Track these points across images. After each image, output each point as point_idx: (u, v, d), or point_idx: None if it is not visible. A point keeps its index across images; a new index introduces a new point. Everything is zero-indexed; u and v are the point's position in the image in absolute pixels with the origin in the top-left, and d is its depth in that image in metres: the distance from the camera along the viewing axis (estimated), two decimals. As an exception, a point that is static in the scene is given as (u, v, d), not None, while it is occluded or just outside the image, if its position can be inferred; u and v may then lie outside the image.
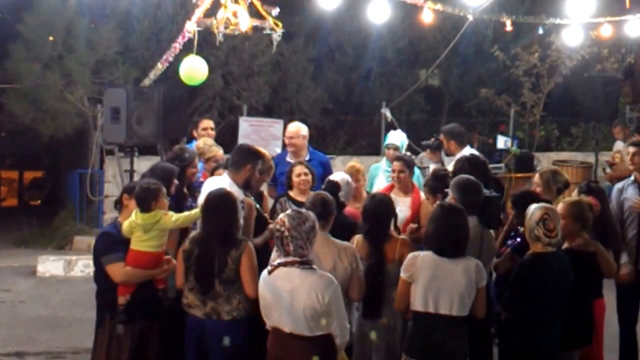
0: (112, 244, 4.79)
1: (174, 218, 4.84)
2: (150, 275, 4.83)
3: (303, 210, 4.40)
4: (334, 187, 5.46)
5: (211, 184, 5.22)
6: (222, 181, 5.22)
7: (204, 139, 7.07)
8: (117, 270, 4.75)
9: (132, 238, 4.80)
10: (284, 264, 4.18)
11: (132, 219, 4.78)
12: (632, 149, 6.52)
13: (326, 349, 4.18)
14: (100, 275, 4.86)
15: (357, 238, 5.04)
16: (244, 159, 5.29)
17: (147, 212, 4.77)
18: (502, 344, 4.98)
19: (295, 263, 4.16)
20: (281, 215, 4.26)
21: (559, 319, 4.69)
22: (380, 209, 5.02)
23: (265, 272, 4.27)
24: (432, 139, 7.22)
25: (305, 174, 6.00)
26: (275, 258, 4.63)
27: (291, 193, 6.06)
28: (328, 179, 5.73)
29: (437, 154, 7.10)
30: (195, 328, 4.61)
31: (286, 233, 4.16)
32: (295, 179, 6.02)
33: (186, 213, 4.95)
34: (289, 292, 4.11)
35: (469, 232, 4.51)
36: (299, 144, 6.90)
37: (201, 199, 5.06)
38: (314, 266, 4.21)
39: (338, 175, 5.82)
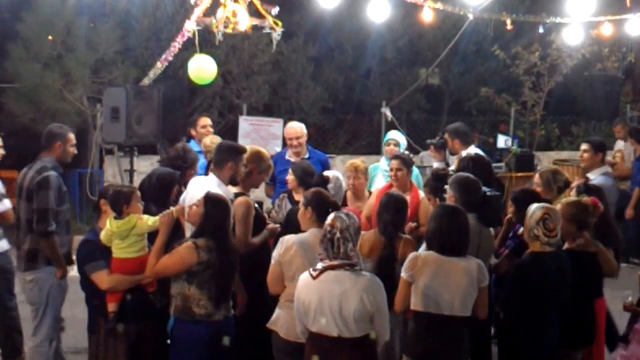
0: (93, 252, 4.75)
1: (150, 222, 4.76)
2: (136, 281, 4.77)
3: (348, 212, 4.37)
4: (322, 179, 5.44)
5: (197, 184, 5.19)
6: (208, 181, 5.20)
7: (212, 137, 7.07)
8: (102, 278, 4.71)
9: (113, 247, 4.76)
10: (332, 267, 4.11)
11: (107, 228, 4.73)
12: (584, 146, 6.77)
13: (370, 347, 4.16)
14: (87, 282, 4.83)
15: (361, 235, 5.03)
16: (225, 157, 5.28)
17: (119, 215, 4.73)
18: (501, 344, 4.97)
19: (343, 266, 4.10)
20: (330, 217, 4.20)
21: (558, 319, 4.68)
22: (401, 202, 5.09)
23: (306, 276, 4.17)
24: (438, 137, 7.21)
25: (290, 174, 6.04)
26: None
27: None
28: (319, 172, 5.74)
29: (440, 152, 7.08)
30: (215, 333, 4.57)
31: (338, 235, 4.10)
32: (287, 177, 6.09)
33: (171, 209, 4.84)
34: (339, 296, 4.04)
35: (469, 232, 4.49)
36: (302, 143, 7.03)
37: (190, 198, 5.02)
38: (360, 267, 4.18)
39: (332, 172, 5.81)
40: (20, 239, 5.65)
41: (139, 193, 4.87)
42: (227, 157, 5.28)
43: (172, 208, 4.83)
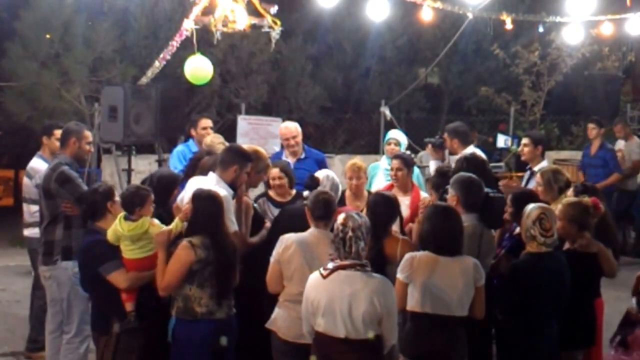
0: (106, 252, 4.75)
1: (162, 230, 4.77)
2: (152, 275, 4.76)
3: (358, 212, 4.35)
4: (313, 181, 5.39)
5: (196, 183, 5.15)
6: (208, 180, 5.16)
7: (213, 136, 7.06)
8: (121, 277, 4.71)
9: (122, 247, 4.75)
10: (343, 267, 4.07)
11: (117, 228, 4.71)
12: (524, 140, 6.98)
13: (377, 349, 4.12)
14: (96, 284, 4.81)
15: None
16: (231, 160, 5.23)
17: (131, 214, 4.73)
18: (500, 345, 4.94)
19: (355, 266, 4.07)
20: (342, 216, 4.16)
21: (556, 319, 4.67)
22: (387, 201, 5.02)
23: (317, 276, 4.13)
24: (437, 137, 7.18)
25: (280, 178, 5.92)
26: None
27: (271, 193, 6.01)
28: (310, 173, 5.68)
29: (439, 152, 7.04)
30: (217, 331, 4.56)
31: (350, 234, 4.06)
32: (271, 182, 5.97)
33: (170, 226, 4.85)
34: (349, 297, 4.01)
35: (463, 231, 4.48)
36: (299, 142, 7.00)
37: (186, 197, 5.00)
38: (369, 268, 4.14)
39: (323, 172, 5.75)
40: (40, 233, 5.78)
41: (153, 197, 4.88)
42: (234, 160, 5.23)
43: (172, 225, 4.80)
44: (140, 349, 4.79)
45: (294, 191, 5.99)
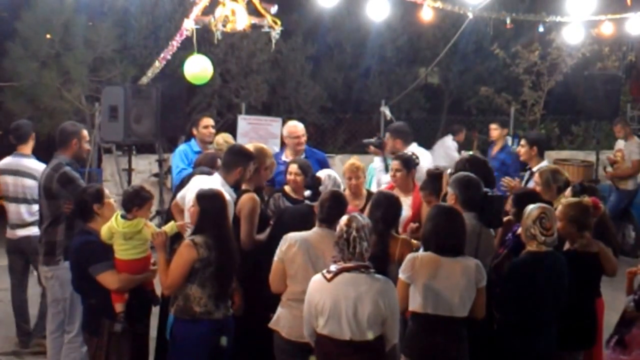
0: (98, 253, 4.75)
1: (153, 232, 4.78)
2: (144, 278, 4.81)
3: (360, 213, 4.37)
4: (315, 181, 5.40)
5: (200, 183, 5.16)
6: (212, 180, 5.17)
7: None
8: (112, 279, 4.72)
9: (115, 246, 4.76)
10: (347, 269, 4.06)
11: (112, 225, 4.73)
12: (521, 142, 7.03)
13: (380, 350, 4.13)
14: (87, 284, 4.81)
15: None
16: (234, 161, 5.26)
17: (128, 212, 4.75)
18: (500, 344, 4.94)
19: (359, 268, 4.07)
20: (345, 217, 4.16)
21: (555, 319, 4.67)
22: (391, 199, 5.03)
23: (320, 278, 4.13)
24: (375, 138, 7.26)
25: (297, 174, 5.93)
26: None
27: (286, 189, 6.03)
28: (312, 174, 5.71)
29: (380, 151, 7.13)
30: (215, 332, 4.58)
31: (354, 234, 4.06)
32: (288, 177, 6.00)
33: (164, 228, 4.88)
34: (354, 300, 4.01)
35: (466, 232, 4.48)
36: (303, 143, 7.02)
37: (189, 196, 5.00)
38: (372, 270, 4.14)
39: (325, 172, 5.76)
40: (40, 234, 5.78)
41: (153, 202, 4.93)
42: (238, 162, 5.27)
43: (164, 227, 4.82)
44: (133, 349, 4.80)
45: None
